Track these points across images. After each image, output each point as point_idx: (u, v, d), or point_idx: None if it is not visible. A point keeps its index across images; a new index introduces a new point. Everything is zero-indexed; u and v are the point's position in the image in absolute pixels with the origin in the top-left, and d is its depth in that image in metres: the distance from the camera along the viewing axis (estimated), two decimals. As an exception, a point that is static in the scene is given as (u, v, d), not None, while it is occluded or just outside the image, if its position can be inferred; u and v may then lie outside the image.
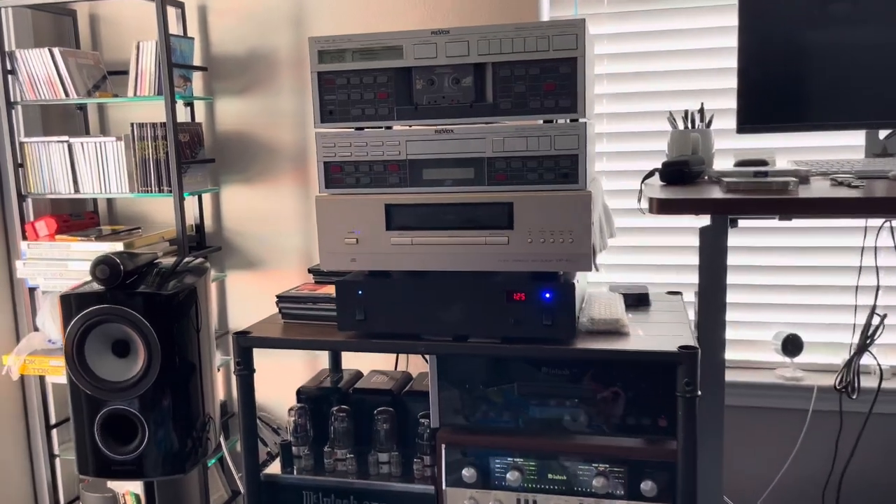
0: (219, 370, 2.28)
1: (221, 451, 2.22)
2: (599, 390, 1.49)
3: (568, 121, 1.37)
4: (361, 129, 1.46)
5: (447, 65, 1.39)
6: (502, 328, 1.43)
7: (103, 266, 1.58)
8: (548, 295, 1.41)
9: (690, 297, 1.72)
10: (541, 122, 1.38)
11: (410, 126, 1.43)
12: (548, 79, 1.35)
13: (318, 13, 2.18)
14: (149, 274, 1.74)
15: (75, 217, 2.24)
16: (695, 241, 1.47)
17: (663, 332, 1.50)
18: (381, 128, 1.46)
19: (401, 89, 1.42)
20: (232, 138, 2.30)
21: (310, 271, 1.80)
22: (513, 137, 1.38)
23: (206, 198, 2.34)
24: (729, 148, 1.92)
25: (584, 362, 1.48)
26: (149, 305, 1.62)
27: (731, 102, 1.75)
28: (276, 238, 2.31)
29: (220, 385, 2.37)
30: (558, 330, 1.41)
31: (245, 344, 1.58)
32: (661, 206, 1.30)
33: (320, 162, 1.48)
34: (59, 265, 2.05)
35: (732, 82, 1.69)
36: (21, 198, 2.17)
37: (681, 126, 1.79)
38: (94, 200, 2.38)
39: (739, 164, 1.65)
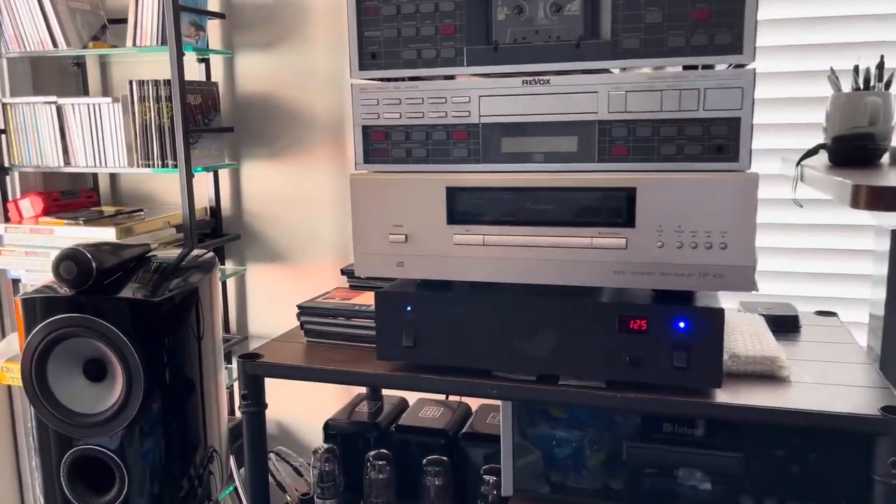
0: (230, 386, 1.89)
1: (234, 482, 1.83)
2: (748, 461, 1.04)
3: (728, 67, 0.91)
4: (416, 79, 1.02)
5: (543, -16, 0.95)
6: (610, 368, 1.00)
7: (68, 262, 1.19)
8: (683, 324, 0.96)
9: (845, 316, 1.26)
10: (681, 68, 0.93)
11: (486, 75, 1.00)
12: (698, 2, 0.89)
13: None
14: (139, 271, 1.34)
15: (68, 195, 1.87)
16: (835, 242, 0.99)
17: (837, 376, 1.04)
18: (443, 77, 1.02)
19: (474, 21, 0.98)
20: (255, 103, 1.89)
21: (343, 272, 1.38)
22: (641, 91, 0.93)
23: (223, 175, 1.94)
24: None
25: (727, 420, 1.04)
26: (133, 315, 1.22)
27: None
28: (307, 226, 1.90)
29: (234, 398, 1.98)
30: (695, 375, 0.96)
31: (253, 371, 1.17)
32: (875, 198, 0.84)
33: (357, 126, 1.05)
34: (42, 254, 1.68)
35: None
36: (3, 171, 1.80)
37: (846, 88, 1.30)
38: (94, 176, 2.01)
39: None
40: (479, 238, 1.01)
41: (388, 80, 1.03)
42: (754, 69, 0.89)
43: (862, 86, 1.30)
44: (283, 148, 1.88)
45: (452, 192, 1.02)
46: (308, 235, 1.89)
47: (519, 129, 0.99)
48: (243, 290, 1.97)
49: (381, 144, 1.05)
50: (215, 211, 1.91)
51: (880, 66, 1.27)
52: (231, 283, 1.97)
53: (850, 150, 1.15)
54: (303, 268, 1.91)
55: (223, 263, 1.93)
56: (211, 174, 1.89)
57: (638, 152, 0.94)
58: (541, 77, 0.97)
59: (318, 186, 1.87)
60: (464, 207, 1.02)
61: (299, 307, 1.25)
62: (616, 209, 0.96)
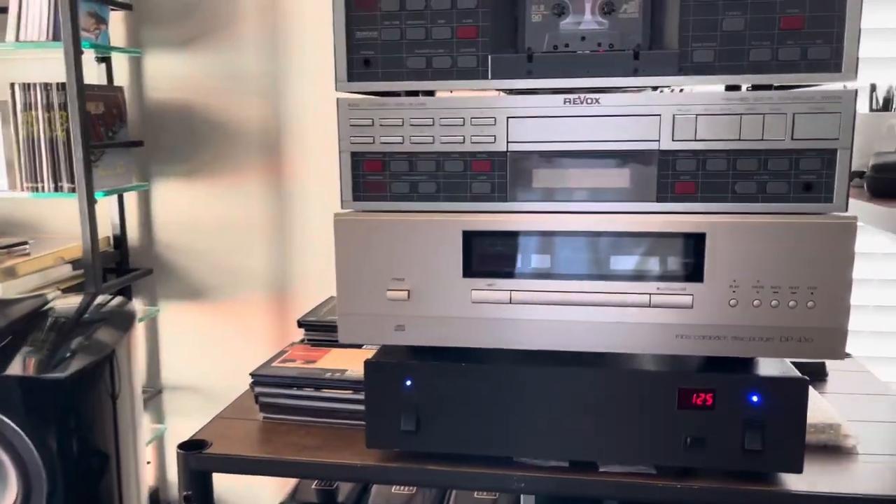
0: (148, 444, 1.59)
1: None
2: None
3: (823, 87, 0.75)
4: (425, 93, 0.80)
5: (592, -23, 0.75)
6: (662, 451, 0.81)
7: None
8: (756, 398, 0.79)
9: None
10: (766, 87, 0.76)
11: (517, 91, 0.79)
12: (790, 6, 0.72)
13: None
14: (32, 332, 1.05)
15: (-73, 225, 1.50)
16: None
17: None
18: (455, 92, 0.81)
19: (502, 22, 0.77)
20: (169, 112, 1.59)
21: (301, 325, 1.13)
22: (714, 115, 0.75)
23: (130, 198, 1.62)
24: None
25: None
26: (28, 398, 0.93)
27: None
28: (233, 257, 1.61)
29: (151, 470, 1.67)
30: (773, 459, 0.80)
31: (199, 466, 0.91)
32: None
33: (344, 154, 0.81)
34: None
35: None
36: None
37: (862, 108, 1.19)
38: (-38, 198, 1.63)
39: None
40: (504, 294, 0.80)
41: (388, 94, 0.80)
42: (856, 91, 0.73)
43: (882, 105, 1.19)
44: (202, 165, 1.59)
45: (471, 238, 0.80)
46: (234, 268, 1.61)
47: (557, 160, 0.78)
48: (155, 334, 1.66)
49: (376, 176, 0.81)
50: (120, 241, 1.59)
51: (905, 86, 1.16)
52: (140, 327, 1.65)
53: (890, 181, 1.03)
54: (228, 306, 1.62)
55: (130, 300, 1.61)
56: (116, 198, 1.58)
57: (708, 189, 0.76)
58: (587, 95, 0.77)
59: (246, 210, 1.59)
60: (485, 256, 0.80)
61: (253, 376, 0.99)
62: (680, 260, 0.77)
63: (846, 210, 0.75)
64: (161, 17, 1.56)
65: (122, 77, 1.58)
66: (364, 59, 0.79)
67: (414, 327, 0.83)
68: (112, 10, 1.49)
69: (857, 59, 0.72)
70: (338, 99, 0.80)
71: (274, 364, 1.03)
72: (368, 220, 0.81)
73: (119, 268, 1.58)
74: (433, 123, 0.79)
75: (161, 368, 1.67)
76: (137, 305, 1.64)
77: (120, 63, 1.58)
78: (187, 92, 1.57)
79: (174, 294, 1.64)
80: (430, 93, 0.80)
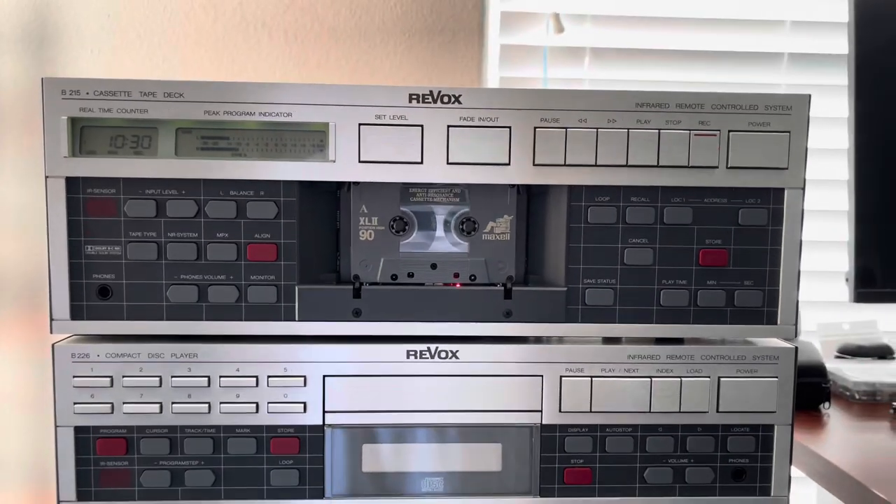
0: None
1: None
2: None
3: (755, 343, 0.56)
4: (194, 339, 0.53)
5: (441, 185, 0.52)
6: None
7: None
8: None
9: None
10: (680, 343, 0.55)
11: (339, 338, 0.54)
12: (711, 236, 0.53)
13: (80, 30, 1.19)
14: None
15: None
16: None
17: None
18: (251, 340, 0.54)
19: (313, 241, 0.53)
20: None
21: None
22: (615, 377, 0.53)
23: None
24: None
25: None
26: None
27: None
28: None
29: None
30: None
31: None
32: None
33: (64, 430, 0.52)
34: None
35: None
36: None
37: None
38: None
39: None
40: None
41: (136, 339, 0.52)
42: (796, 349, 0.54)
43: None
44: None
45: (266, 555, 0.52)
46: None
47: (397, 435, 0.53)
48: None
49: (117, 462, 0.52)
50: None
51: None
52: None
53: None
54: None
55: None
56: None
57: (609, 479, 0.54)
58: (441, 347, 0.53)
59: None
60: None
61: None
62: (571, 578, 0.54)
63: (787, 504, 0.55)
64: None
65: None
66: (100, 287, 0.51)
67: None
68: None
69: (798, 307, 0.53)
70: (53, 346, 0.51)
71: None
72: None
73: None
74: (209, 384, 0.52)
75: None
76: None
77: None
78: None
79: None
80: (205, 338, 0.52)
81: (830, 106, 1.03)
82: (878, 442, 0.74)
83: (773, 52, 1.12)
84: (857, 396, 0.86)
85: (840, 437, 0.76)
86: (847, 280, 0.94)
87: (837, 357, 1.00)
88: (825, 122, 1.06)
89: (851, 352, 1.00)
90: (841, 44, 0.96)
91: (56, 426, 0.51)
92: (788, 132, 0.52)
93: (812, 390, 0.81)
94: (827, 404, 0.81)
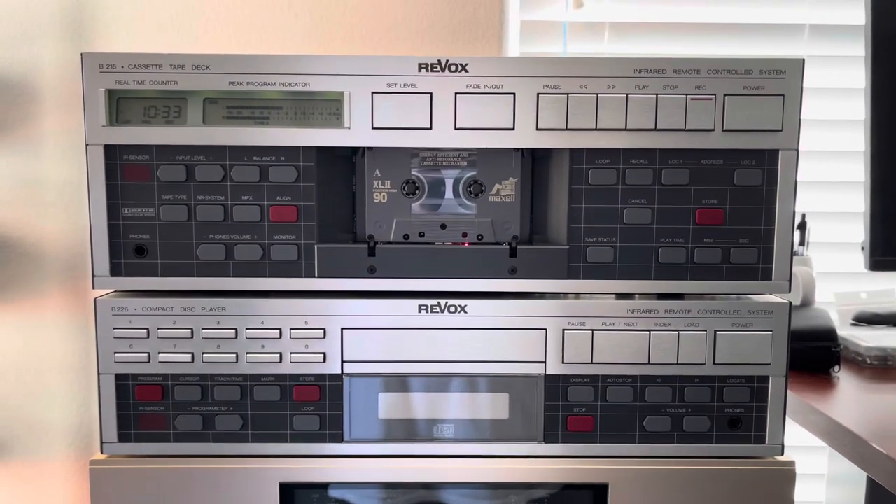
0: None
1: None
2: None
3: (750, 298, 0.58)
4: (223, 294, 0.57)
5: (452, 150, 0.56)
6: None
7: None
8: None
9: None
10: (680, 298, 0.58)
11: (355, 293, 0.58)
12: (707, 196, 0.56)
13: (116, 14, 1.24)
14: None
15: None
16: None
17: None
18: (274, 295, 0.58)
19: (333, 200, 0.56)
20: (-56, 225, 1.27)
21: None
22: (615, 331, 0.57)
23: None
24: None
25: None
26: None
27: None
28: (29, 406, 1.29)
29: None
30: None
31: None
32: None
33: (106, 377, 0.57)
34: None
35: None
36: None
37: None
38: None
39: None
40: (338, 569, 0.57)
41: (169, 294, 0.57)
42: (790, 304, 0.57)
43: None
44: (-11, 290, 1.27)
45: (292, 494, 0.57)
46: (31, 420, 1.29)
47: (409, 386, 0.57)
48: (-82, 507, 1.29)
49: (153, 408, 0.57)
50: None
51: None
52: None
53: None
54: (25, 465, 1.29)
55: None
56: None
57: (610, 426, 0.58)
58: (450, 302, 0.56)
59: (45, 346, 1.28)
60: None
61: None
62: (575, 520, 0.58)
63: (782, 452, 0.58)
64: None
65: None
66: (136, 246, 0.56)
67: None
68: None
69: (791, 266, 0.56)
70: (95, 301, 0.56)
71: None
72: (142, 469, 0.57)
73: None
74: (236, 336, 0.56)
75: (-75, 550, 1.29)
76: None
77: None
78: (-32, 201, 1.26)
79: (-54, 453, 1.29)
80: (233, 293, 0.57)
81: (853, 77, 1.04)
82: (883, 402, 0.76)
83: (794, 24, 1.13)
84: (868, 361, 0.87)
85: (847, 397, 0.78)
86: (863, 248, 0.95)
87: (853, 325, 1.01)
88: (848, 93, 1.06)
89: (867, 319, 1.01)
90: (863, 14, 0.96)
91: (99, 374, 0.56)
92: (783, 95, 0.54)
93: (822, 353, 0.83)
94: (837, 367, 0.83)
